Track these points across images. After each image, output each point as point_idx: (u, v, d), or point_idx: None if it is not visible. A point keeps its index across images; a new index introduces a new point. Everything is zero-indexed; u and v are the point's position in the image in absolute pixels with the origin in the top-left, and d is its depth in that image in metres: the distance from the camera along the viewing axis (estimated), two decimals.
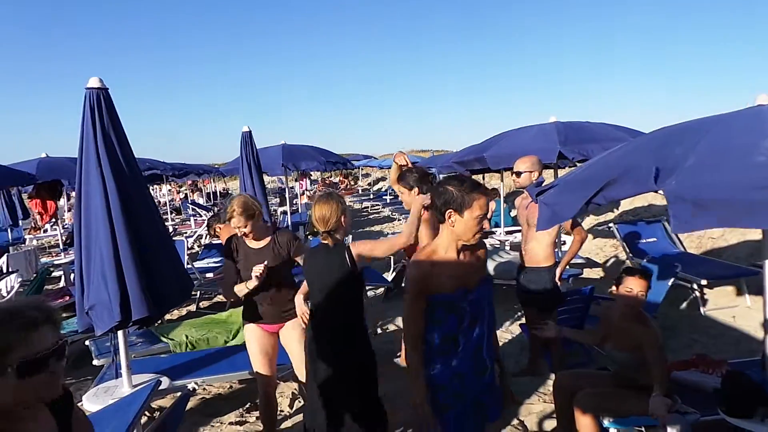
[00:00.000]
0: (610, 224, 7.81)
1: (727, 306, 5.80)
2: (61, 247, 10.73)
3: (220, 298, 7.44)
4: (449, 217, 2.18)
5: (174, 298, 3.32)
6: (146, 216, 3.09)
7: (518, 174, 4.13)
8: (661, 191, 1.88)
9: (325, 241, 2.90)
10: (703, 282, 5.59)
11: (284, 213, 10.94)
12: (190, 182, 26.55)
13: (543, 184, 2.88)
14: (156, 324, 5.68)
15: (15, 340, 1.28)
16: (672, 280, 4.92)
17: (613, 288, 3.04)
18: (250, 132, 6.87)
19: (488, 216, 2.26)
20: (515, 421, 3.70)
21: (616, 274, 3.01)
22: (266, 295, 3.30)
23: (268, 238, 3.34)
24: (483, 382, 2.36)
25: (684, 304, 5.91)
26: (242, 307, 3.44)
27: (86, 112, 2.95)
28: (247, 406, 4.28)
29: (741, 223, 1.88)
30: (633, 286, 2.93)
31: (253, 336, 3.37)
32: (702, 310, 5.66)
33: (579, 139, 5.21)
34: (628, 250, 7.00)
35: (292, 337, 3.38)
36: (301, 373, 3.35)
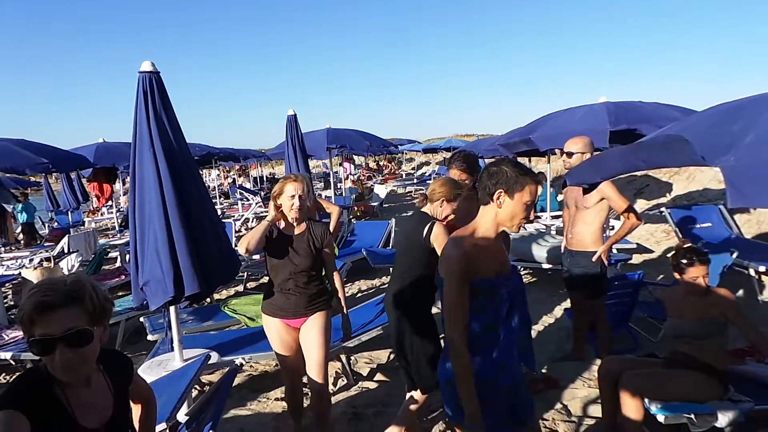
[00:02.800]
0: (662, 209, 7.53)
1: None
2: (117, 229, 11.22)
3: (266, 279, 7.62)
4: (498, 198, 2.07)
5: (222, 276, 3.42)
6: (196, 196, 3.18)
7: (569, 154, 3.99)
8: (717, 168, 1.79)
9: (419, 205, 3.13)
10: (762, 268, 5.35)
11: (328, 197, 11.12)
12: (238, 167, 27.16)
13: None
14: (206, 302, 5.92)
15: (33, 317, 1.31)
16: (727, 265, 4.73)
17: (676, 274, 3.07)
18: (295, 115, 6.95)
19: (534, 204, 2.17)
20: (559, 405, 3.66)
21: (667, 260, 2.95)
22: (292, 285, 3.10)
23: (303, 226, 3.16)
24: (519, 374, 2.23)
25: (740, 292, 5.67)
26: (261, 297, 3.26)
27: (139, 96, 3.05)
28: None
29: None
30: (696, 274, 2.96)
31: (274, 330, 3.17)
32: (759, 297, 5.42)
33: (631, 119, 5.01)
34: (681, 235, 6.74)
35: (313, 333, 3.12)
36: (314, 371, 3.13)
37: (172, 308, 3.35)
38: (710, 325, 2.91)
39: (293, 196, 3.04)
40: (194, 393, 4.17)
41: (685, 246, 3.09)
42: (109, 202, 11.75)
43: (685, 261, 3.00)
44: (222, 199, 18.44)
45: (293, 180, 3.07)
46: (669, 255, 3.43)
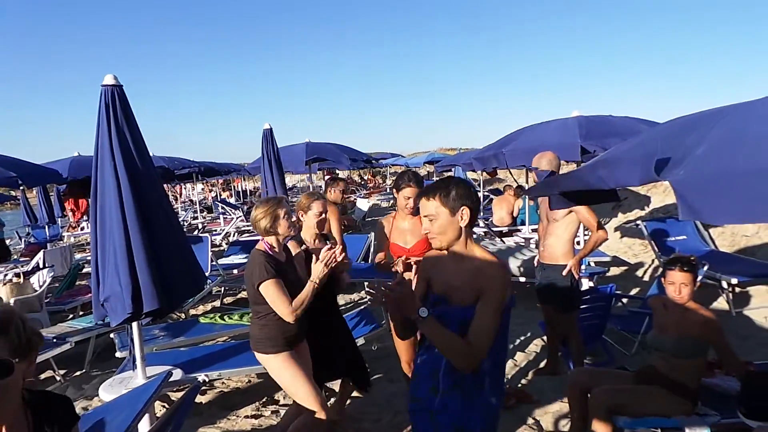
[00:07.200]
0: (638, 222, 7.60)
1: (759, 306, 5.57)
2: None
3: (243, 294, 7.52)
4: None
5: (185, 292, 3.35)
6: (158, 210, 3.12)
7: (536, 170, 4.04)
8: (666, 182, 1.79)
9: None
10: (734, 281, 5.37)
11: None
12: (221, 181, 27.02)
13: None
14: (180, 317, 5.81)
15: None
16: (698, 278, 4.75)
17: (663, 279, 3.01)
18: (271, 129, 6.93)
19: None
20: (531, 420, 3.63)
21: (644, 273, 2.92)
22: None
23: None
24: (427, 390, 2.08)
25: (713, 304, 5.71)
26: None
27: (101, 109, 3.01)
28: (264, 399, 4.31)
29: (758, 217, 1.76)
30: (674, 279, 2.87)
31: (292, 363, 2.87)
32: (732, 310, 5.46)
33: (601, 134, 5.08)
34: (656, 248, 6.80)
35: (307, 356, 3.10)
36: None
37: (134, 325, 3.27)
38: (690, 346, 2.82)
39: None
40: (161, 411, 4.08)
41: (683, 256, 3.00)
42: (85, 216, 11.58)
43: (668, 264, 2.93)
44: (205, 213, 18.29)
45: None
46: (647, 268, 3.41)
